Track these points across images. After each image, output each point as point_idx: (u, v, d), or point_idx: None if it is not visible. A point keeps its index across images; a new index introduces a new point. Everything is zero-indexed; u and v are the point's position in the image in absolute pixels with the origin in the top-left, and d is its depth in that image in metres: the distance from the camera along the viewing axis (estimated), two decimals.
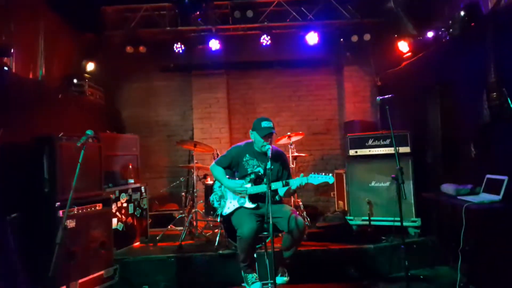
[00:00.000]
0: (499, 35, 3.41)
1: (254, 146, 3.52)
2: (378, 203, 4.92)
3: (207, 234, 5.09)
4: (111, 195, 4.44)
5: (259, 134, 3.39)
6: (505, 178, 3.28)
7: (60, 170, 3.72)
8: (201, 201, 5.42)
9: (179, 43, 6.04)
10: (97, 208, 4.11)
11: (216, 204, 3.62)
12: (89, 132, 3.02)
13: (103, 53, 5.96)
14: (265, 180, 3.25)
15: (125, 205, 4.92)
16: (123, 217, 4.86)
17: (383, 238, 4.65)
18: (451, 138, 4.52)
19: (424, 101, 5.06)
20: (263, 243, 3.68)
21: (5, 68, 4.00)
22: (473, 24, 3.91)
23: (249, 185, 3.45)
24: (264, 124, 3.40)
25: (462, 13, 4.01)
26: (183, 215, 5.36)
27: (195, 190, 5.15)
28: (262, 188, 3.34)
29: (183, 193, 5.45)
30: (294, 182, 3.22)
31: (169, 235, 5.23)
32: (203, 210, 5.32)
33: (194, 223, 5.15)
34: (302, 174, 3.25)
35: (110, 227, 4.32)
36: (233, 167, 3.61)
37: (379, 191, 4.95)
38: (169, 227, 5.32)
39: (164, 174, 6.75)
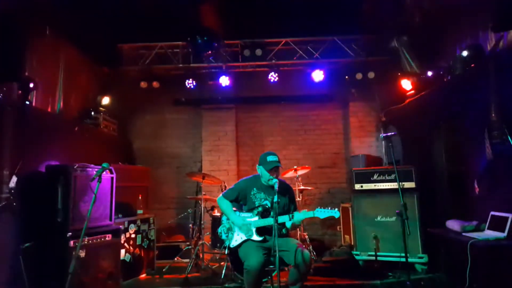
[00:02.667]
0: (500, 75, 3.56)
1: (261, 180, 3.62)
2: (384, 238, 4.93)
3: (213, 267, 5.09)
4: (120, 226, 4.52)
5: (265, 168, 3.50)
6: (510, 215, 3.32)
7: (73, 200, 3.84)
8: (208, 233, 5.46)
9: (190, 79, 6.32)
10: (106, 238, 4.19)
11: (224, 236, 3.67)
12: (105, 165, 3.16)
13: (118, 88, 6.25)
14: (272, 213, 3.33)
15: (133, 236, 4.98)
16: (131, 248, 4.91)
17: (390, 274, 4.62)
18: (456, 174, 4.59)
19: (428, 137, 5.18)
20: (269, 277, 3.70)
21: (27, 102, 4.24)
22: (474, 64, 4.07)
23: (256, 218, 3.52)
24: (270, 158, 3.52)
25: (464, 53, 4.19)
26: (190, 247, 5.39)
27: (202, 222, 5.21)
28: (268, 221, 3.41)
29: (190, 225, 5.50)
30: (300, 215, 3.29)
31: (176, 267, 5.24)
32: (210, 242, 5.35)
33: (201, 255, 5.17)
34: (305, 210, 3.34)
35: (119, 258, 4.37)
36: (240, 200, 3.69)
37: (386, 225, 4.97)
38: (175, 259, 5.34)
39: (172, 205, 6.84)
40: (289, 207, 3.61)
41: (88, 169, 4.04)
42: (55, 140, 4.57)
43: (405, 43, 5.94)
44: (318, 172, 6.85)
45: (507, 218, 3.33)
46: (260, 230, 3.49)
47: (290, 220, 3.34)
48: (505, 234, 3.28)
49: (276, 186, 3.26)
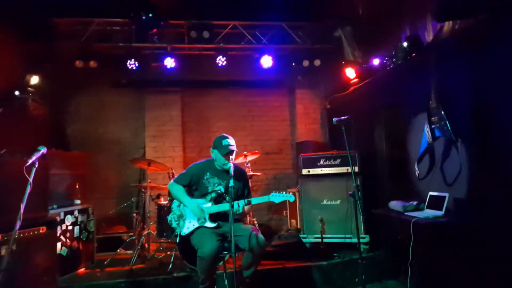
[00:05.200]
0: (439, 63, 3.80)
1: (215, 164, 3.51)
2: (330, 221, 5.09)
3: (160, 257, 4.89)
4: (56, 218, 4.13)
5: (220, 153, 3.39)
6: (446, 194, 3.59)
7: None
8: (153, 223, 5.21)
9: (132, 59, 5.88)
10: (40, 231, 3.79)
11: (174, 224, 3.51)
12: (40, 148, 2.82)
13: (50, 67, 5.64)
14: (227, 198, 3.25)
15: (70, 228, 4.58)
16: (68, 241, 4.52)
17: (335, 254, 4.81)
18: (396, 158, 4.87)
19: (370, 123, 5.42)
20: (222, 262, 3.64)
21: None
22: (414, 54, 4.31)
23: (209, 204, 3.41)
24: (225, 142, 3.42)
25: (405, 43, 4.41)
26: (134, 237, 5.12)
27: (148, 211, 4.95)
28: (223, 207, 3.33)
29: (134, 214, 5.21)
30: (257, 201, 3.26)
31: (118, 259, 4.93)
32: (155, 232, 5.11)
33: (146, 246, 4.93)
34: (262, 196, 3.31)
35: (55, 252, 4.00)
36: (192, 185, 3.55)
37: (331, 209, 5.13)
38: (118, 250, 5.03)
39: (112, 194, 6.39)
40: (243, 191, 3.55)
41: (17, 154, 3.60)
42: None
43: (348, 33, 6.13)
44: (265, 158, 6.87)
45: (444, 197, 3.60)
46: (213, 216, 3.40)
47: (245, 205, 3.28)
48: (442, 212, 3.54)
49: (231, 171, 3.18)
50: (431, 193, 3.86)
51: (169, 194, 4.59)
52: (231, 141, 3.45)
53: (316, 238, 5.12)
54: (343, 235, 4.92)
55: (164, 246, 5.17)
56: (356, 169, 5.13)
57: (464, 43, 3.66)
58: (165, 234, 4.79)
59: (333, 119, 3.44)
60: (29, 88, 5.34)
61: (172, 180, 3.60)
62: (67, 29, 5.78)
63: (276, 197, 3.25)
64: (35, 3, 4.94)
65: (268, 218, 6.91)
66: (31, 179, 2.63)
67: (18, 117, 4.99)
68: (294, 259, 4.68)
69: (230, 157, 3.37)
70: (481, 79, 3.52)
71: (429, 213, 3.67)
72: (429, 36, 4.33)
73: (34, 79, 5.46)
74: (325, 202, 5.21)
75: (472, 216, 3.45)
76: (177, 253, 4.36)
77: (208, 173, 3.50)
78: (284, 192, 3.28)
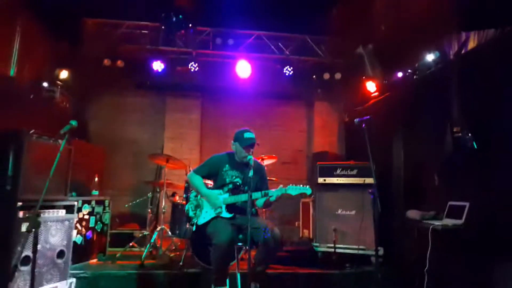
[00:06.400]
0: (463, 75, 3.83)
1: (235, 157, 3.55)
2: (343, 231, 5.02)
3: (171, 255, 4.88)
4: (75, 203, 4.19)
5: (241, 145, 3.44)
6: (467, 204, 3.54)
7: (25, 168, 3.49)
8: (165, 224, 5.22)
9: (158, 62, 6.08)
10: (59, 213, 3.86)
11: (191, 214, 3.54)
12: (73, 122, 2.91)
13: (78, 64, 5.86)
14: (245, 188, 3.27)
15: (86, 217, 4.65)
16: (84, 229, 4.57)
17: (347, 265, 4.72)
18: (414, 170, 4.82)
19: (389, 136, 5.42)
20: (235, 260, 3.61)
21: None
22: (437, 67, 4.36)
23: (226, 195, 3.44)
24: (247, 135, 3.47)
25: (429, 57, 4.47)
26: (147, 233, 5.13)
27: (163, 206, 4.98)
28: (240, 197, 3.34)
29: (149, 210, 5.24)
30: (274, 193, 3.27)
31: (129, 255, 4.94)
32: (169, 229, 5.12)
33: (159, 242, 4.93)
34: (281, 186, 3.31)
35: (71, 236, 4.03)
36: (211, 177, 3.59)
37: (345, 219, 5.08)
38: (130, 244, 5.04)
39: (127, 191, 6.46)
40: (262, 186, 3.56)
41: (44, 137, 3.72)
42: (9, 104, 4.17)
43: (370, 51, 6.22)
44: (281, 167, 6.87)
45: (464, 206, 3.55)
46: (229, 208, 3.41)
47: (262, 196, 3.29)
48: (462, 220, 3.49)
49: (251, 162, 3.21)
50: (450, 202, 3.81)
51: (185, 187, 4.69)
52: (251, 134, 3.50)
53: (328, 247, 5.04)
54: (356, 246, 4.86)
55: (176, 245, 5.15)
56: (372, 180, 5.09)
57: (488, 55, 3.70)
58: (178, 232, 4.80)
59: (355, 120, 3.46)
60: (58, 82, 5.53)
61: (191, 171, 3.65)
62: (97, 29, 6.03)
63: (293, 190, 3.25)
64: (68, 2, 5.18)
65: (280, 228, 6.80)
66: (61, 149, 2.69)
67: (45, 106, 5.16)
68: (305, 266, 4.63)
69: (251, 149, 3.41)
70: (504, 90, 3.53)
71: (448, 221, 3.61)
72: (453, 50, 4.39)
73: (64, 74, 5.68)
74: (339, 212, 5.16)
75: (492, 226, 3.38)
76: (189, 254, 4.36)
77: (227, 165, 3.54)
78: (301, 185, 3.28)
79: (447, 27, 4.48)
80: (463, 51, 4.14)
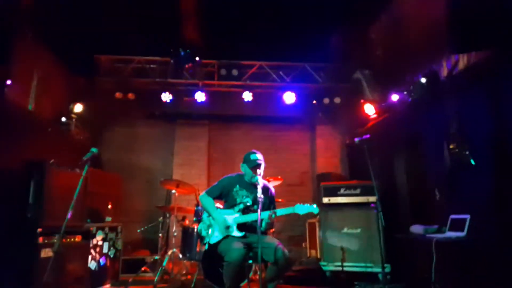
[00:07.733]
0: (456, 95, 4.07)
1: (244, 178, 3.75)
2: (350, 249, 5.12)
3: (183, 279, 4.98)
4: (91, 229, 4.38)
5: (248, 166, 3.66)
6: (468, 216, 3.68)
7: (46, 195, 3.71)
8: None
9: (167, 93, 6.42)
10: (76, 240, 4.04)
11: (204, 233, 3.70)
12: (94, 149, 3.15)
13: (92, 98, 6.21)
14: (255, 207, 3.45)
15: (100, 243, 4.80)
16: (97, 255, 4.71)
17: (356, 283, 4.79)
18: (416, 188, 4.98)
19: (390, 156, 5.61)
20: (247, 280, 3.73)
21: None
22: (431, 88, 4.60)
23: (237, 215, 3.61)
24: (253, 157, 3.69)
25: (422, 79, 4.73)
26: (157, 257, 5.26)
27: (174, 230, 5.14)
28: (251, 216, 3.51)
29: (160, 234, 5.39)
30: (282, 211, 3.44)
31: (141, 280, 5.05)
32: (179, 253, 5.24)
33: (170, 266, 5.04)
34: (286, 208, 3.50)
35: (87, 262, 4.19)
36: (223, 197, 3.78)
37: (352, 237, 5.18)
38: (142, 268, 5.15)
39: (139, 218, 6.63)
40: (269, 206, 3.73)
41: (64, 167, 3.96)
42: (28, 137, 4.44)
43: (367, 75, 6.52)
44: (287, 189, 7.02)
45: (465, 219, 3.68)
46: (240, 227, 3.57)
47: (271, 216, 3.44)
48: (464, 233, 3.61)
49: (259, 182, 3.41)
50: (452, 216, 3.94)
51: (195, 211, 4.86)
52: (258, 155, 3.72)
53: (336, 266, 5.12)
54: (363, 264, 4.94)
55: (187, 269, 5.26)
56: (375, 198, 5.24)
57: (479, 74, 3.94)
58: (188, 255, 4.92)
59: (355, 139, 3.67)
60: (73, 115, 5.85)
61: (204, 192, 3.83)
62: (109, 65, 6.43)
63: (301, 209, 3.42)
64: (83, 40, 5.58)
65: (287, 249, 6.90)
66: (84, 174, 2.91)
67: (62, 138, 5.44)
68: (314, 286, 4.71)
69: (258, 170, 3.61)
70: (497, 107, 3.74)
71: (451, 234, 3.74)
72: (444, 72, 4.65)
73: (78, 107, 5.99)
74: (345, 230, 5.27)
75: (494, 237, 3.50)
76: (200, 277, 4.45)
77: (238, 186, 3.73)
78: (308, 204, 3.45)
79: (438, 50, 4.78)
80: (454, 71, 4.40)
